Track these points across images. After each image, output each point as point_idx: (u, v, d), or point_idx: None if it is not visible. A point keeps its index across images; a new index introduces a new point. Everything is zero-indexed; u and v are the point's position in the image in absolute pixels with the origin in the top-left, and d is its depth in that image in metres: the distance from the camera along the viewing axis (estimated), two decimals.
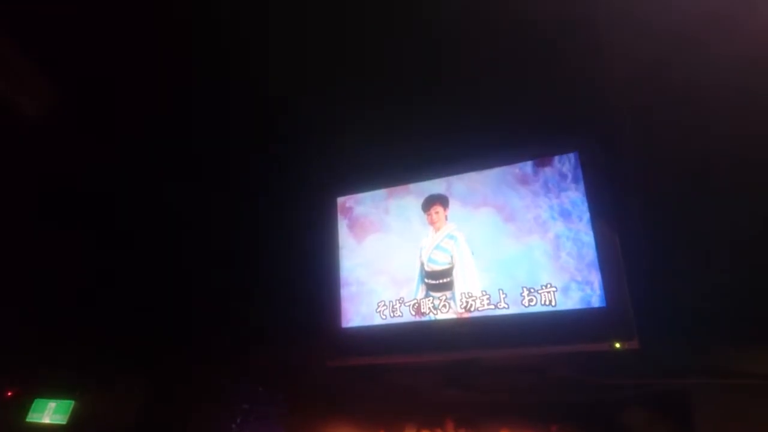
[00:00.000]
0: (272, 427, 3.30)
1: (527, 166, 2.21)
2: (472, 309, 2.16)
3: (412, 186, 2.39)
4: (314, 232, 2.58)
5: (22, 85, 2.21)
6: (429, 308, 2.24)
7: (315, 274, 2.63)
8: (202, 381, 3.51)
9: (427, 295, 2.25)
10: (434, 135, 2.39)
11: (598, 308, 1.99)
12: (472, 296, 2.18)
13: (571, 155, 2.15)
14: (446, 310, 2.21)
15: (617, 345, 1.93)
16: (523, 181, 2.20)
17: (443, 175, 2.33)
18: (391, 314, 2.29)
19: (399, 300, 2.30)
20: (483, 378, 2.66)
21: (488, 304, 2.15)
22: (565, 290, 2.06)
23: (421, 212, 2.35)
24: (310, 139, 2.46)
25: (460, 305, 2.18)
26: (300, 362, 3.28)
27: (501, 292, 2.14)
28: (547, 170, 2.18)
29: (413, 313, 2.26)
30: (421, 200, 2.36)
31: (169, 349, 3.51)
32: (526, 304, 2.09)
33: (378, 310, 2.33)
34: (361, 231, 2.46)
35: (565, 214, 2.11)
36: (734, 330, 2.01)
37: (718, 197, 1.76)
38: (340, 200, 2.53)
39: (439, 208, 2.32)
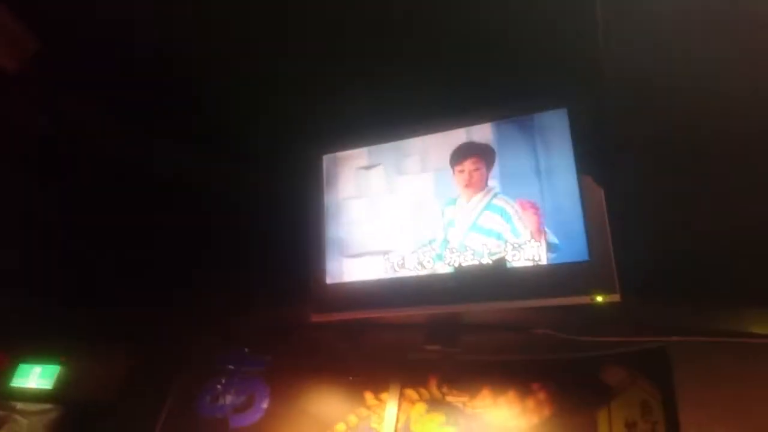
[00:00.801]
0: (257, 386, 3.33)
1: (518, 121, 2.20)
2: (458, 264, 2.17)
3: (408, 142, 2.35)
4: (298, 190, 2.55)
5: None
6: (415, 264, 2.24)
7: (300, 233, 2.62)
8: (187, 344, 3.52)
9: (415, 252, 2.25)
10: (418, 90, 2.34)
11: (581, 262, 2.00)
12: (457, 253, 2.18)
13: (561, 110, 2.14)
14: (430, 265, 2.21)
15: (599, 298, 1.95)
16: (516, 137, 2.18)
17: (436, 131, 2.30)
18: (380, 270, 2.29)
19: (386, 255, 2.29)
20: (467, 335, 2.70)
21: (473, 259, 2.15)
22: (550, 245, 2.06)
23: (423, 170, 2.31)
24: (293, 90, 2.40)
25: (448, 261, 2.19)
26: (285, 322, 3.29)
27: (486, 251, 2.14)
28: (536, 125, 2.17)
29: (397, 268, 2.26)
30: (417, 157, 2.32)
31: (154, 314, 3.50)
32: (510, 259, 2.09)
33: (364, 266, 2.32)
34: (349, 189, 2.43)
35: (552, 170, 2.11)
36: (714, 288, 2.04)
37: (703, 158, 1.76)
38: (327, 157, 2.50)
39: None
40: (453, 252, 2.19)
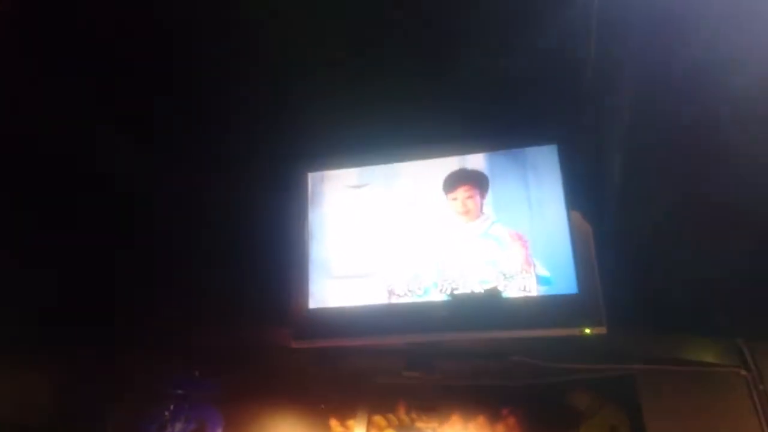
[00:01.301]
0: (209, 413, 3.10)
1: (511, 153, 2.24)
2: (451, 292, 2.16)
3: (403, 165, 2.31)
4: (280, 206, 2.43)
5: None
6: (406, 290, 2.20)
7: (276, 251, 2.50)
8: (131, 363, 3.21)
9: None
10: (406, 115, 2.33)
11: (571, 295, 2.06)
12: (450, 281, 2.17)
13: (552, 147, 2.21)
14: (422, 292, 2.18)
15: (587, 330, 2.02)
16: (509, 168, 2.22)
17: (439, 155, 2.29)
18: (368, 295, 2.23)
19: (375, 279, 2.23)
20: (444, 361, 2.69)
21: (467, 287, 2.15)
22: (540, 277, 2.11)
23: (415, 192, 2.27)
24: (281, 103, 2.29)
25: (441, 288, 2.17)
26: (246, 344, 3.11)
27: (479, 278, 2.15)
28: (528, 158, 2.23)
29: (387, 294, 2.21)
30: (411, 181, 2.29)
31: (96, 328, 3.16)
32: (503, 289, 2.12)
33: (351, 290, 2.25)
34: (336, 207, 2.36)
35: (542, 203, 2.17)
36: (688, 320, 2.19)
37: (689, 196, 1.89)
38: (312, 175, 2.40)
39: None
40: (447, 278, 2.18)
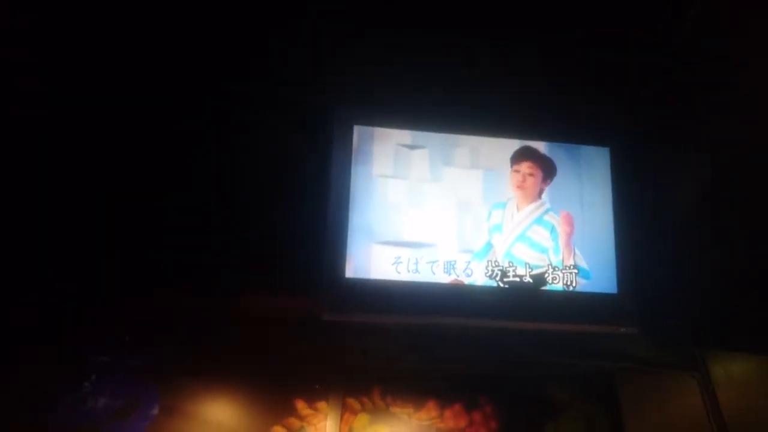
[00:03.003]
0: (143, 387, 2.57)
1: (568, 147, 2.23)
2: (499, 277, 2.07)
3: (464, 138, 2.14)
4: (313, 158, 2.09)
5: None
6: (455, 269, 2.05)
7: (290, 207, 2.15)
8: (47, 323, 2.50)
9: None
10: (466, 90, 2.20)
11: (611, 294, 2.13)
12: (499, 265, 2.08)
13: (605, 149, 2.25)
14: (471, 272, 2.06)
15: (622, 329, 2.10)
16: (565, 161, 2.20)
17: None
18: (412, 269, 2.02)
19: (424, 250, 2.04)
20: (442, 347, 2.59)
21: (514, 276, 2.08)
22: (580, 269, 2.14)
23: (472, 166, 2.12)
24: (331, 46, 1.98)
25: (489, 271, 2.06)
26: (197, 309, 2.63)
27: (527, 266, 2.10)
28: (583, 155, 2.24)
29: (434, 270, 2.04)
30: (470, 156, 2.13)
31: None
32: (551, 281, 2.10)
33: (395, 259, 2.03)
34: (385, 166, 2.10)
35: (593, 200, 2.20)
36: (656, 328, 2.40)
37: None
38: (360, 129, 2.11)
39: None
40: (496, 259, 2.08)
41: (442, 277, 2.05)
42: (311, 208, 2.08)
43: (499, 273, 2.07)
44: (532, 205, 2.14)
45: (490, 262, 2.08)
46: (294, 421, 2.62)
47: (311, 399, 2.67)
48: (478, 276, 2.07)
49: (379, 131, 2.12)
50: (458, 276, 2.06)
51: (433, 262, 2.05)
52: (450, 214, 2.08)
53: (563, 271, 2.12)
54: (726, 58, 1.86)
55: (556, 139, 2.23)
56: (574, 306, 2.11)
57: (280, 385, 2.68)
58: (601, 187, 2.21)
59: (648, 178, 2.21)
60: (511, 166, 2.15)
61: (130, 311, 2.61)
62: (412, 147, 2.12)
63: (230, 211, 2.21)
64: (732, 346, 2.68)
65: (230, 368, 2.65)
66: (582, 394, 2.74)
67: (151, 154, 2.09)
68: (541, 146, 2.20)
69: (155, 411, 2.52)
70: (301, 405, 2.66)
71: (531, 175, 2.16)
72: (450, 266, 2.05)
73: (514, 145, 2.18)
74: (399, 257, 2.03)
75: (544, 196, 2.16)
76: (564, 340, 2.67)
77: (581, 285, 2.13)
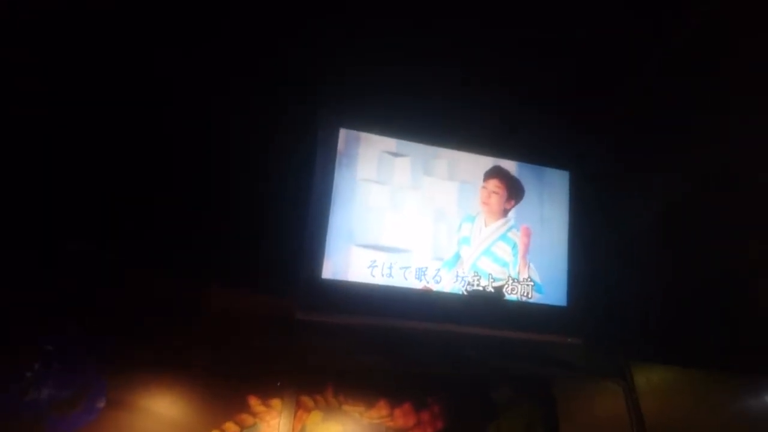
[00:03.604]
0: (90, 379, 2.46)
1: (534, 168, 2.40)
2: (466, 285, 2.20)
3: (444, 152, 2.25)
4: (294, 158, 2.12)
5: None
6: (422, 275, 2.16)
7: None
8: None
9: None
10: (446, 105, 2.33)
11: (561, 307, 2.33)
12: (465, 276, 2.22)
13: (564, 172, 2.45)
14: (440, 279, 2.18)
15: (569, 339, 2.31)
16: (531, 180, 2.38)
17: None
18: (386, 272, 2.11)
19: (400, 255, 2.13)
20: (397, 349, 2.69)
21: (477, 286, 2.22)
22: (534, 283, 2.33)
23: (450, 177, 2.23)
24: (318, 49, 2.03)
25: (456, 280, 2.19)
26: (152, 300, 2.56)
27: (491, 277, 2.25)
28: (546, 177, 2.42)
29: (407, 276, 2.14)
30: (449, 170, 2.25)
31: None
32: (509, 292, 2.26)
33: (363, 266, 2.10)
34: (369, 171, 2.16)
35: (551, 220, 2.39)
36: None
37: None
38: (347, 133, 2.16)
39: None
40: (463, 270, 2.21)
41: (414, 283, 2.15)
42: (290, 207, 2.10)
43: (465, 283, 2.20)
44: (498, 222, 2.29)
45: (457, 272, 2.20)
46: (247, 418, 2.61)
47: (265, 395, 2.68)
48: (446, 283, 2.19)
49: (366, 136, 2.18)
50: (428, 282, 2.16)
51: (406, 268, 2.14)
52: (426, 221, 2.19)
53: (521, 284, 2.29)
54: (681, 88, 2.10)
55: (522, 160, 2.39)
56: (528, 316, 2.29)
57: (234, 381, 2.66)
58: (559, 208, 2.41)
59: (601, 204, 2.44)
60: (482, 183, 2.29)
61: (79, 298, 2.49)
62: (395, 154, 2.20)
63: (204, 203, 2.18)
64: (653, 358, 3.01)
65: (183, 363, 2.59)
66: (522, 397, 2.95)
67: (129, 145, 2.02)
68: (511, 166, 2.35)
69: (101, 404, 2.42)
70: (254, 401, 2.66)
71: (495, 193, 2.30)
72: (421, 273, 2.16)
73: (488, 162, 2.32)
74: (375, 261, 2.10)
75: (510, 214, 2.31)
76: (508, 346, 2.85)
77: (536, 297, 2.31)
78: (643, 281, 2.46)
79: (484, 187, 2.30)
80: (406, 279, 2.14)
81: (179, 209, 2.13)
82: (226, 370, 2.66)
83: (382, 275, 2.11)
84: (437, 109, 2.30)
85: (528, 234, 2.34)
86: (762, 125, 1.96)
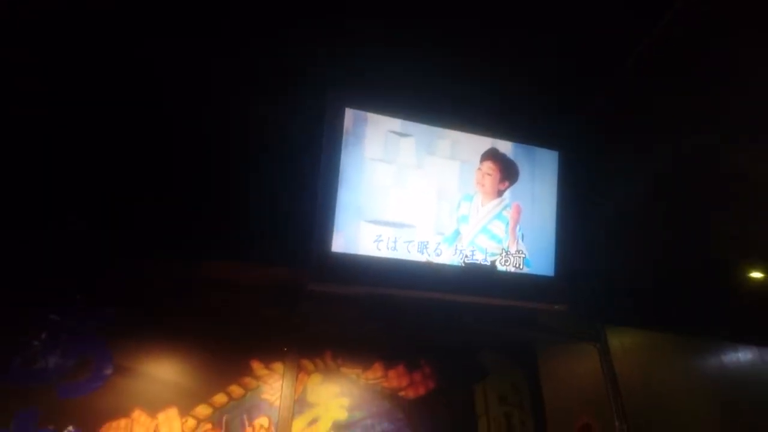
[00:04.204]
0: (96, 348, 2.55)
1: (527, 148, 2.53)
2: (464, 258, 2.35)
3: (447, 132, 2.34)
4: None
5: None
6: (429, 250, 2.29)
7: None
8: None
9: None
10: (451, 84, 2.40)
11: (548, 277, 2.51)
12: (464, 250, 2.35)
13: (555, 153, 2.59)
14: (441, 253, 2.31)
15: (556, 307, 2.50)
16: (524, 160, 2.50)
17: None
18: (392, 246, 2.23)
19: (406, 230, 2.25)
20: (394, 316, 2.84)
21: (474, 259, 2.37)
22: (523, 256, 2.49)
23: (452, 156, 2.33)
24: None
25: (456, 254, 2.33)
26: (157, 271, 2.63)
27: (486, 252, 2.40)
28: (537, 157, 2.56)
29: (410, 249, 2.26)
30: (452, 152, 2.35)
31: None
32: (502, 264, 2.42)
33: (379, 236, 2.21)
34: (376, 150, 2.24)
35: (541, 200, 2.54)
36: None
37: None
38: (353, 112, 2.22)
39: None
40: (462, 246, 2.35)
41: (416, 256, 2.27)
42: (298, 187, 2.17)
43: (463, 256, 2.34)
44: (494, 202, 2.43)
45: (456, 247, 2.34)
46: (250, 381, 2.75)
47: (267, 360, 2.82)
48: (446, 257, 2.32)
49: (373, 117, 2.25)
50: (429, 256, 2.29)
51: (409, 242, 2.26)
52: (429, 199, 2.30)
53: (512, 256, 2.45)
54: (671, 75, 2.23)
55: (516, 140, 2.51)
56: (518, 285, 2.46)
57: (237, 347, 2.78)
58: (549, 186, 2.55)
59: (587, 183, 2.60)
60: (478, 164, 2.41)
61: (85, 270, 2.52)
62: (401, 134, 2.28)
63: (213, 178, 2.23)
64: (626, 322, 3.27)
65: (188, 331, 2.69)
66: (507, 360, 3.19)
67: (131, 118, 2.02)
68: (507, 147, 2.47)
69: (109, 371, 2.51)
70: (257, 365, 2.79)
71: (489, 175, 2.42)
72: (423, 246, 2.28)
73: (486, 143, 2.43)
74: (380, 236, 2.21)
75: (505, 194, 2.45)
76: (495, 313, 3.06)
77: (526, 268, 2.48)
78: (621, 254, 2.67)
79: (479, 169, 2.42)
80: (409, 252, 2.26)
81: (192, 186, 2.17)
82: (230, 338, 2.77)
83: (387, 248, 2.22)
84: (440, 90, 2.37)
85: (518, 210, 2.48)
86: (742, 110, 2.13)
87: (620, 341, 3.15)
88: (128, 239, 2.35)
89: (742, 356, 3.56)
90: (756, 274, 3.20)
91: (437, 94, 2.38)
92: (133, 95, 1.94)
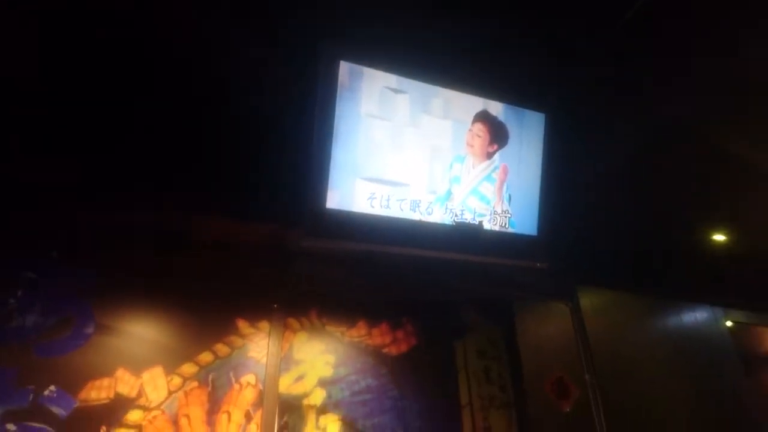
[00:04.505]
0: (76, 306, 2.47)
1: (516, 110, 2.56)
2: (454, 218, 2.39)
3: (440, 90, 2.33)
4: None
5: None
6: (421, 209, 2.31)
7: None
8: None
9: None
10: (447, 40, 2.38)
11: (532, 236, 2.59)
12: (454, 210, 2.39)
13: (542, 115, 2.64)
14: (432, 212, 2.35)
15: (538, 264, 2.60)
16: (512, 122, 2.54)
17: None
18: (385, 203, 2.23)
19: (400, 189, 2.26)
20: (379, 275, 2.88)
21: (463, 219, 2.42)
22: (509, 216, 2.56)
23: (444, 116, 2.33)
24: None
25: (447, 213, 2.37)
26: (140, 226, 2.55)
27: (475, 212, 2.45)
28: (525, 119, 2.60)
29: (402, 207, 2.28)
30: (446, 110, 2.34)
31: None
32: (489, 223, 2.48)
33: (373, 194, 2.21)
34: (371, 106, 2.21)
35: (527, 162, 2.60)
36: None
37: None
38: (348, 65, 2.18)
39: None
40: (453, 206, 2.39)
41: (408, 214, 2.29)
42: (291, 141, 2.13)
43: (453, 215, 2.38)
44: (484, 164, 2.46)
45: (447, 207, 2.37)
46: (236, 339, 2.74)
47: (253, 319, 2.80)
48: (436, 216, 2.35)
49: (368, 71, 2.20)
50: (421, 214, 2.32)
51: (402, 200, 2.27)
52: (422, 158, 2.30)
53: (499, 216, 2.51)
54: (658, 42, 2.29)
55: (506, 101, 2.54)
56: (504, 244, 2.53)
57: (223, 306, 2.75)
58: (535, 148, 2.61)
59: (572, 146, 2.67)
60: (470, 125, 2.43)
61: (61, 223, 2.42)
62: (396, 91, 2.25)
63: (203, 131, 2.15)
64: (596, 283, 3.43)
65: (172, 289, 2.64)
66: (486, 316, 3.30)
67: (136, 62, 1.92)
68: (498, 109, 2.49)
69: (90, 330, 2.44)
70: (242, 324, 2.78)
71: (479, 136, 2.45)
72: (415, 205, 2.30)
73: (478, 103, 2.44)
74: (374, 193, 2.21)
75: (495, 156, 2.48)
76: (476, 273, 3.15)
77: (511, 228, 2.55)
78: (598, 217, 2.77)
79: (470, 130, 2.44)
80: (401, 210, 2.28)
81: (178, 139, 2.08)
82: (215, 297, 2.74)
83: (381, 206, 2.23)
84: (434, 48, 2.35)
85: (506, 171, 2.54)
86: (721, 80, 2.22)
87: (591, 301, 3.31)
88: (107, 189, 2.25)
89: (699, 316, 3.82)
90: (715, 240, 3.41)
91: (432, 51, 2.36)
92: (124, 43, 1.83)
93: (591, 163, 2.72)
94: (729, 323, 3.98)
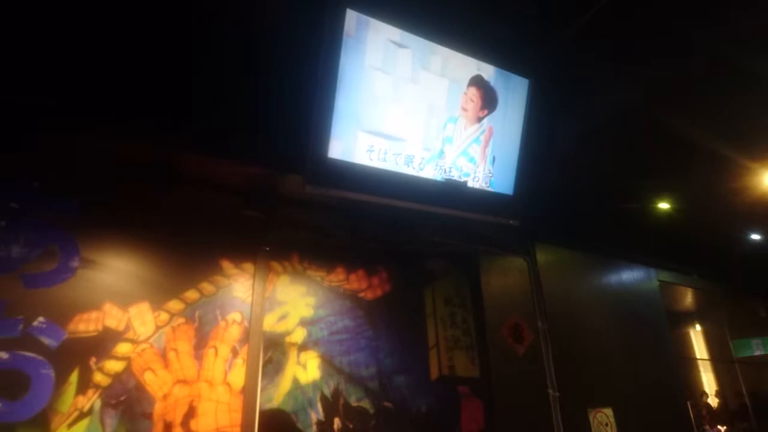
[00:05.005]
0: (59, 238, 2.46)
1: (505, 74, 2.70)
2: (444, 174, 2.54)
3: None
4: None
5: None
6: (416, 166, 2.44)
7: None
8: None
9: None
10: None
11: (508, 195, 2.81)
12: (444, 167, 2.54)
13: (526, 80, 2.79)
14: (422, 168, 2.48)
15: (511, 221, 2.83)
16: (500, 86, 2.68)
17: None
18: (381, 157, 2.34)
19: (398, 143, 2.36)
20: (359, 224, 3.01)
21: (451, 176, 2.58)
22: (490, 174, 2.75)
23: (442, 74, 2.42)
24: None
25: (438, 170, 2.51)
26: (133, 162, 2.52)
27: (462, 171, 2.61)
28: (511, 83, 2.75)
29: (398, 162, 2.40)
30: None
31: None
32: (473, 181, 2.66)
33: (372, 146, 2.31)
34: (376, 59, 2.26)
35: (510, 124, 2.77)
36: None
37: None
38: (357, 16, 2.20)
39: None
40: (445, 163, 2.53)
41: (402, 168, 2.42)
42: (293, 87, 2.16)
43: (442, 171, 2.53)
44: (474, 127, 2.61)
45: (437, 164, 2.51)
46: (221, 279, 2.81)
47: (238, 260, 2.87)
48: (427, 172, 2.49)
49: (374, 23, 2.24)
50: (414, 169, 2.45)
51: (398, 154, 2.39)
52: (420, 114, 2.41)
53: (482, 175, 2.69)
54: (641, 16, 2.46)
55: (496, 64, 2.66)
56: (483, 201, 2.73)
57: (208, 246, 2.79)
58: (518, 112, 2.78)
59: (552, 111, 2.86)
60: (465, 89, 2.54)
61: (47, 154, 2.35)
62: (399, 45, 2.31)
63: (203, 68, 2.13)
64: (551, 241, 3.75)
65: (158, 226, 2.64)
66: (454, 267, 3.53)
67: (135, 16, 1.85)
68: (490, 72, 2.61)
69: (76, 263, 2.43)
70: (227, 265, 2.84)
71: (471, 101, 2.58)
72: (410, 160, 2.43)
73: (472, 65, 2.55)
74: (372, 146, 2.31)
75: (484, 121, 2.62)
76: (449, 227, 3.36)
77: (491, 187, 2.74)
78: (558, 182, 3.02)
79: (465, 93, 2.55)
80: (396, 164, 2.39)
81: (176, 75, 2.05)
82: (200, 236, 2.77)
83: (378, 159, 2.34)
84: (436, 5, 2.41)
85: (491, 132, 2.70)
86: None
87: (545, 256, 3.63)
88: (96, 117, 2.19)
89: (636, 274, 4.28)
90: (659, 209, 3.80)
91: (433, 6, 2.41)
92: None
93: (560, 134, 2.93)
94: (659, 281, 4.49)
